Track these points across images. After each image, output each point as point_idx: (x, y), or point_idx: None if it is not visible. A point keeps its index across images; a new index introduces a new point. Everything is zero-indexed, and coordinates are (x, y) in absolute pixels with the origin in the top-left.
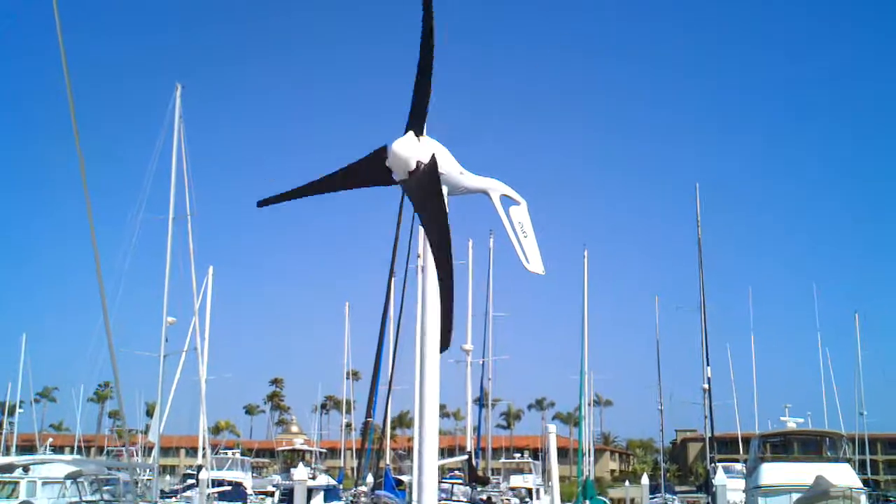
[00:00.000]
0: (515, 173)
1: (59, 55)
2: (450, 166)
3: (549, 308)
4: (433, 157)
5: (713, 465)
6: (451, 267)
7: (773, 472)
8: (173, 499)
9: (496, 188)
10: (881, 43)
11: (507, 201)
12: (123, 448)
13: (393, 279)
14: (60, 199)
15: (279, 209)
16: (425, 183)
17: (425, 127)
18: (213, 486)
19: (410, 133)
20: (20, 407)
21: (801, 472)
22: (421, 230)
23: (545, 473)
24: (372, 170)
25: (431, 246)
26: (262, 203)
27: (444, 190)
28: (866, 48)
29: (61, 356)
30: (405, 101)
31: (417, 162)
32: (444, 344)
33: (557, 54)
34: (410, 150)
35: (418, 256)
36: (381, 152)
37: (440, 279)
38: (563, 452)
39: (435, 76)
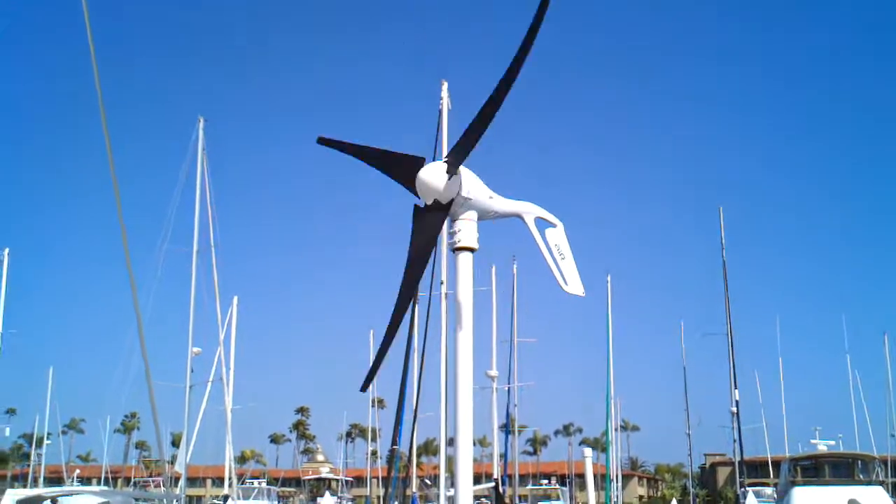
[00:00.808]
0: (537, 200)
1: (97, 100)
2: (478, 192)
3: (575, 334)
4: (448, 203)
5: (743, 489)
6: (403, 312)
7: (805, 496)
8: None
9: (530, 211)
10: None
11: (543, 224)
12: (150, 479)
13: (417, 306)
14: (88, 230)
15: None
16: (431, 223)
17: (461, 165)
18: None
19: (444, 165)
20: (48, 438)
21: (833, 496)
22: (444, 256)
23: (572, 500)
24: (402, 171)
25: (403, 276)
26: (321, 140)
27: (475, 216)
28: None
29: (88, 388)
30: (428, 125)
31: (435, 200)
32: (364, 386)
33: (580, 79)
34: (435, 184)
35: (442, 283)
36: (417, 163)
37: (391, 319)
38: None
39: (463, 94)
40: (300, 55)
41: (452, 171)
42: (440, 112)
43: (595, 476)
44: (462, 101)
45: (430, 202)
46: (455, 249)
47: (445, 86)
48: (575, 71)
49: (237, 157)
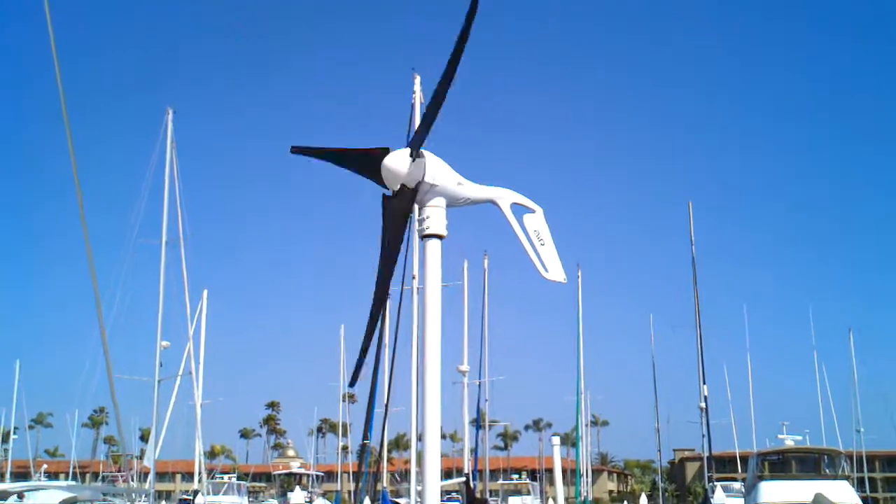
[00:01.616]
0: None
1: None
2: (446, 178)
3: (545, 327)
4: (414, 188)
5: (711, 483)
6: (381, 303)
7: (772, 490)
8: None
9: (505, 197)
10: (876, 54)
11: (520, 210)
12: (119, 473)
13: (388, 301)
14: (55, 225)
15: (273, 231)
16: (397, 210)
17: (423, 146)
18: None
19: (407, 150)
20: (14, 433)
21: (799, 490)
22: (416, 250)
23: (543, 494)
24: (369, 165)
25: (378, 267)
26: (295, 150)
27: (443, 202)
28: (860, 60)
29: (56, 382)
30: (401, 113)
31: (402, 185)
32: (352, 381)
33: (553, 69)
34: (400, 170)
35: (413, 277)
36: (381, 155)
37: (370, 312)
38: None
39: (429, 88)
40: (273, 46)
41: (414, 153)
42: (412, 105)
43: (565, 471)
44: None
45: (397, 189)
46: (423, 237)
47: (418, 79)
48: (551, 60)
49: (208, 150)
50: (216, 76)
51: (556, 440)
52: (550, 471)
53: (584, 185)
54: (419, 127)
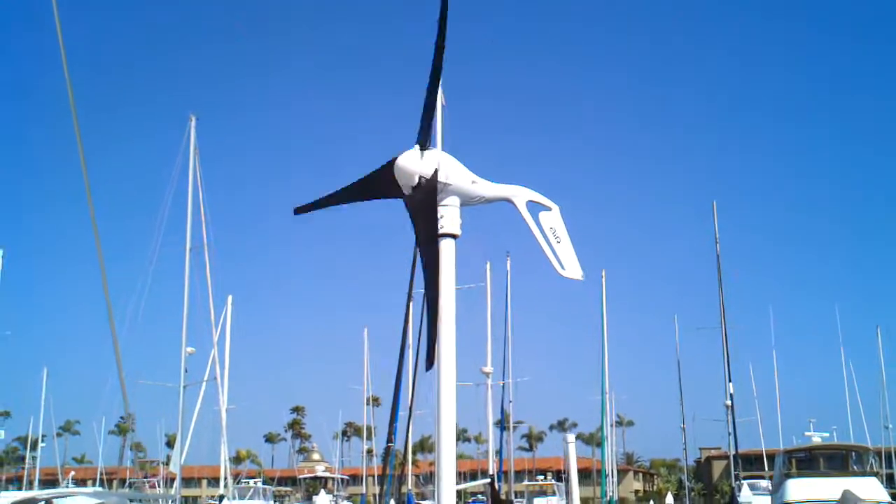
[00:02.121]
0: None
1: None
2: (459, 177)
3: (569, 328)
4: (433, 175)
5: (738, 482)
6: (437, 288)
7: (800, 488)
8: None
9: (521, 195)
10: None
11: (536, 208)
12: (146, 479)
13: (411, 303)
14: (83, 231)
15: (296, 236)
16: (422, 201)
17: (432, 140)
18: None
19: (416, 148)
20: (42, 441)
21: (827, 487)
22: (441, 250)
23: (568, 495)
24: (384, 182)
25: (423, 266)
26: (299, 210)
27: (457, 201)
28: (888, 66)
29: (83, 389)
30: (418, 115)
31: (420, 177)
32: (429, 363)
33: (575, 71)
34: (414, 165)
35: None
36: (391, 164)
37: (427, 299)
38: (586, 473)
39: (458, 91)
40: (296, 52)
41: (423, 146)
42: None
43: (590, 471)
44: (457, 98)
45: (414, 185)
46: (437, 236)
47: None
48: (573, 62)
49: (231, 155)
50: (240, 80)
51: (571, 438)
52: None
53: (608, 187)
54: (421, 121)
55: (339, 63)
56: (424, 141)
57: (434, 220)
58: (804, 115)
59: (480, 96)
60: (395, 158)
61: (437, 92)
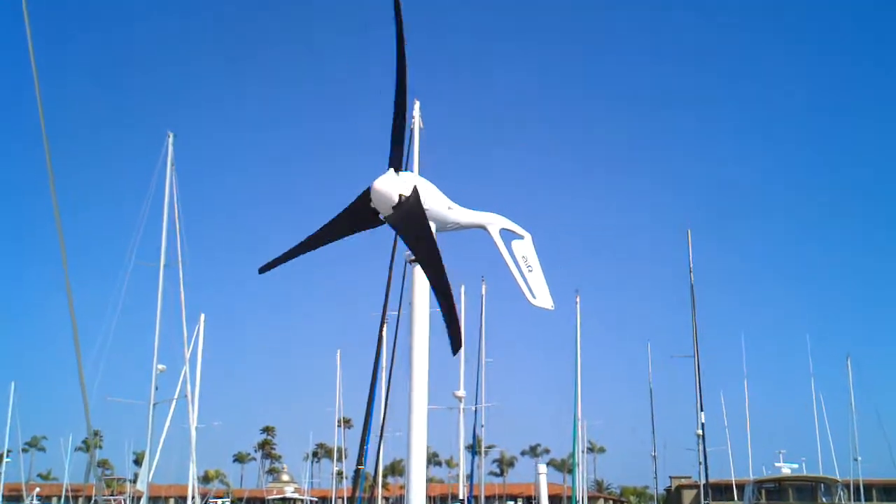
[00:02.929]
0: (505, 216)
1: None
2: (435, 201)
3: (543, 354)
4: (415, 187)
5: None
6: (446, 284)
7: None
8: None
9: (495, 222)
10: (878, 82)
11: (509, 236)
12: (112, 497)
13: (385, 326)
14: (52, 249)
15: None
16: (409, 211)
17: (405, 163)
18: None
19: (391, 171)
20: (7, 456)
21: None
22: (414, 274)
23: None
24: (359, 214)
25: (425, 271)
26: (263, 269)
27: (433, 227)
28: (864, 89)
29: (50, 405)
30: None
31: (400, 195)
32: (456, 346)
33: (549, 93)
34: (392, 185)
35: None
36: (366, 195)
37: (438, 294)
38: (557, 500)
39: (427, 114)
40: (271, 71)
41: (397, 168)
42: (412, 131)
43: (561, 498)
44: (434, 121)
45: (395, 204)
46: (411, 262)
47: (417, 105)
48: (552, 86)
49: (207, 173)
50: (216, 99)
51: (543, 468)
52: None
53: (583, 212)
54: (391, 144)
55: (322, 82)
56: (398, 163)
57: (426, 224)
58: (780, 141)
59: (457, 120)
60: (367, 190)
61: (404, 114)
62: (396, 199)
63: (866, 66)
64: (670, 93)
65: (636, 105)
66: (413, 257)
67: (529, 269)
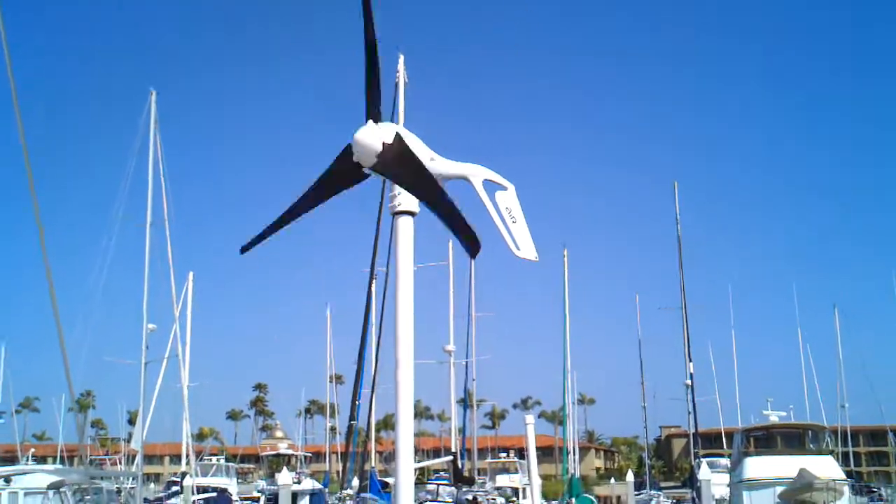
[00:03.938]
0: (491, 167)
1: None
2: (418, 151)
3: (532, 307)
4: (397, 133)
5: (697, 460)
6: (450, 203)
7: (757, 466)
8: None
9: (477, 174)
10: (861, 45)
11: (492, 187)
12: (106, 456)
13: (374, 281)
14: (41, 209)
15: (258, 212)
16: (396, 153)
17: (395, 116)
18: (197, 493)
19: (369, 122)
20: (1, 417)
21: (784, 465)
22: (398, 227)
23: (529, 477)
24: (342, 172)
25: (427, 205)
26: (245, 248)
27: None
28: (844, 50)
29: (43, 366)
30: (383, 98)
31: (383, 143)
32: (475, 250)
33: (535, 51)
34: (373, 134)
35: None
36: (347, 151)
37: (443, 213)
38: (548, 451)
39: (418, 71)
40: (260, 26)
41: (376, 118)
42: (396, 85)
43: (552, 449)
44: (420, 73)
45: (378, 156)
46: (395, 214)
47: (402, 59)
48: (532, 43)
49: (193, 131)
50: (202, 58)
51: (530, 419)
52: (539, 449)
53: (569, 166)
54: (366, 94)
55: (305, 36)
56: (376, 114)
57: (414, 160)
58: (768, 91)
59: (440, 74)
60: (348, 146)
61: (376, 62)
62: (380, 148)
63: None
64: (658, 43)
65: (622, 58)
66: (397, 208)
67: (513, 220)
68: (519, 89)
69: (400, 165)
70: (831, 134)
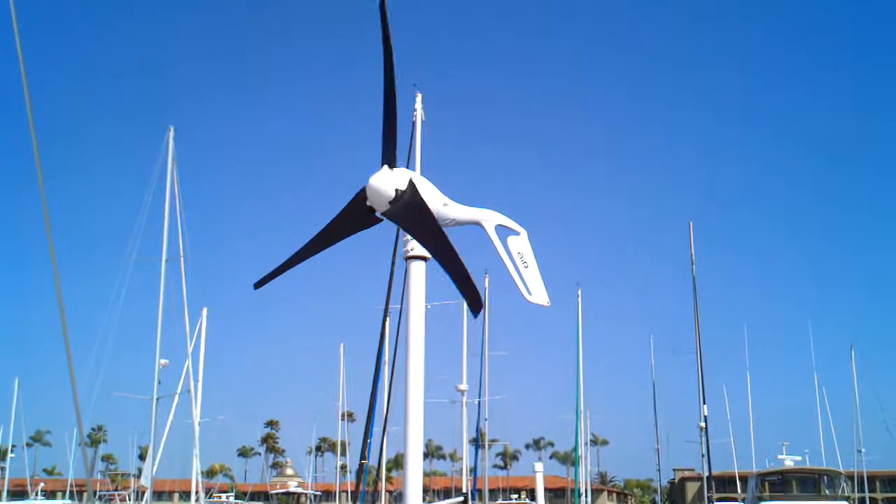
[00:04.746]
0: (506, 211)
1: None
2: (431, 197)
3: (546, 347)
4: (410, 180)
5: None
6: (454, 253)
7: None
8: None
9: (490, 219)
10: (880, 85)
11: (505, 232)
12: (116, 492)
13: (388, 319)
14: (55, 242)
15: (273, 252)
16: (407, 202)
17: (408, 158)
18: None
19: (385, 167)
20: (12, 451)
21: None
22: (411, 270)
23: None
24: (356, 214)
25: (434, 257)
26: (259, 284)
27: None
28: (865, 82)
29: (54, 400)
30: (401, 137)
31: (396, 189)
32: (476, 307)
33: (550, 88)
34: (387, 181)
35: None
36: (361, 195)
37: (448, 266)
38: (560, 493)
39: (434, 108)
40: (275, 64)
41: (391, 164)
42: (413, 123)
43: (564, 490)
44: (436, 113)
45: (391, 199)
46: (408, 258)
47: (420, 97)
48: (547, 79)
49: (209, 168)
50: (217, 95)
51: (539, 467)
52: (550, 490)
53: (585, 206)
54: (383, 141)
55: (325, 73)
56: (391, 160)
57: (424, 209)
58: (784, 132)
59: (457, 112)
60: (362, 190)
61: (394, 112)
62: (393, 195)
63: (870, 62)
64: (672, 86)
65: (638, 99)
66: (410, 253)
67: (525, 265)
68: (532, 128)
69: (411, 215)
70: (847, 177)
